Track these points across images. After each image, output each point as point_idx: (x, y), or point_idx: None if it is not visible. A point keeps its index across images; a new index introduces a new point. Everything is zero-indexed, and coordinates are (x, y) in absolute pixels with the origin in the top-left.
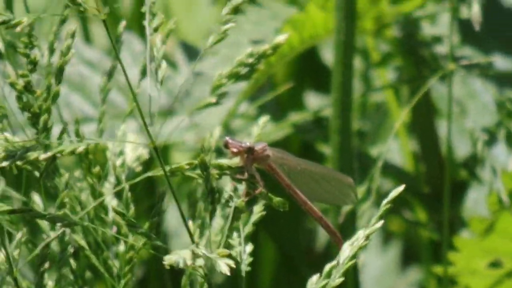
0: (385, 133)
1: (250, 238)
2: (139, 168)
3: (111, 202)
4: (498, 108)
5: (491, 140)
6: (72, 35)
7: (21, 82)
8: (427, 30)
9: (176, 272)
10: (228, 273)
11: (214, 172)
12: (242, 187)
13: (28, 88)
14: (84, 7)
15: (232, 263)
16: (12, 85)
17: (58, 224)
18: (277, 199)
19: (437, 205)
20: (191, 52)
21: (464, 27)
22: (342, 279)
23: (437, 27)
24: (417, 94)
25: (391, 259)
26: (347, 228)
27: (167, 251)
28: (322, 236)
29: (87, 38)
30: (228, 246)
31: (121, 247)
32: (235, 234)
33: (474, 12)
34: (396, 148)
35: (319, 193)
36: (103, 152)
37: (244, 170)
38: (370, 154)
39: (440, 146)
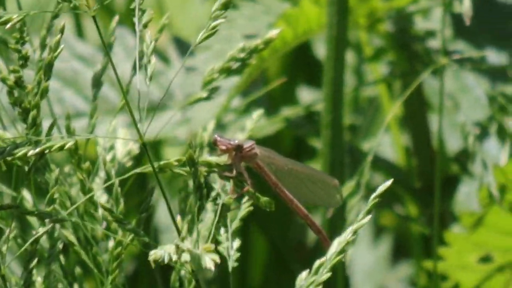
0: (377, 127)
1: (240, 234)
2: (129, 163)
3: (101, 197)
4: (490, 102)
5: (483, 134)
6: (62, 31)
7: (12, 78)
8: (420, 24)
9: (167, 268)
10: (213, 268)
11: (202, 169)
12: (230, 184)
13: (19, 83)
14: (75, 3)
15: (217, 258)
16: (3, 80)
17: (47, 220)
18: (264, 199)
19: (428, 200)
20: (184, 48)
21: (456, 22)
22: (329, 274)
23: (429, 22)
24: (409, 88)
25: (382, 253)
26: (337, 223)
27: (155, 247)
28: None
29: (80, 33)
30: (216, 242)
31: (111, 243)
32: (223, 230)
33: (465, 6)
34: (388, 143)
35: (305, 194)
36: (94, 147)
37: (232, 167)
38: (362, 148)
39: (432, 141)
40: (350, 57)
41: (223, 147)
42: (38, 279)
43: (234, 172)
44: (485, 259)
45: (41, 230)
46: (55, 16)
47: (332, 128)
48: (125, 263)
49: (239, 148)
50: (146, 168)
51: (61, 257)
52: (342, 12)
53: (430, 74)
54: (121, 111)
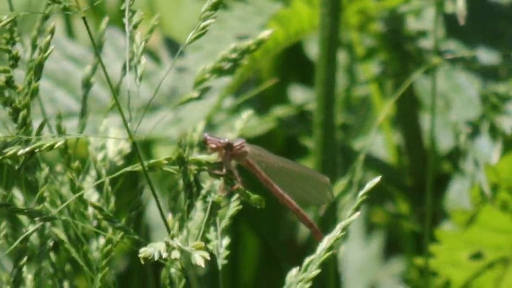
0: (369, 127)
1: (231, 231)
2: (121, 162)
3: (92, 196)
4: (482, 102)
5: (475, 133)
6: (52, 32)
7: (2, 78)
8: (412, 24)
9: (158, 266)
10: (203, 265)
11: (192, 167)
12: (220, 183)
13: (9, 83)
14: (64, 4)
15: (207, 255)
16: None
17: (37, 218)
18: (254, 196)
19: (420, 198)
20: (176, 48)
21: (448, 22)
22: (318, 271)
23: (421, 22)
24: (401, 88)
25: (374, 250)
26: (328, 221)
27: (145, 244)
28: (304, 229)
29: (71, 34)
30: (206, 240)
31: (102, 241)
32: (212, 228)
33: (459, 6)
34: (380, 142)
35: (296, 191)
36: (86, 146)
37: (222, 165)
38: (354, 147)
39: (424, 139)
40: (342, 57)
41: (213, 145)
42: (28, 276)
43: (224, 170)
44: (476, 256)
45: (31, 228)
46: (46, 16)
47: (324, 127)
48: (116, 261)
49: (229, 146)
50: (136, 167)
51: (52, 255)
52: (335, 12)
53: (422, 74)
54: (112, 111)
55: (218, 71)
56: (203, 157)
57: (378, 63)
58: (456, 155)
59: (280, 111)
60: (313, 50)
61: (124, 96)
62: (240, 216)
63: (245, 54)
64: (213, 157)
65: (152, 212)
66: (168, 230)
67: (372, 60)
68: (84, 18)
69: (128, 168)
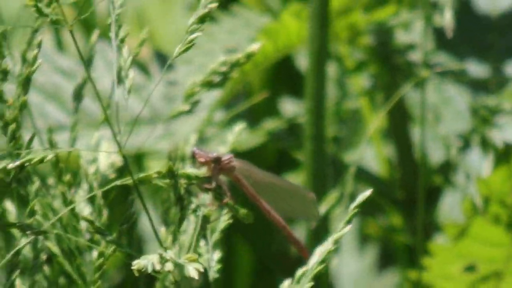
0: (360, 139)
1: (224, 245)
2: (113, 175)
3: (84, 209)
4: (472, 114)
5: (465, 146)
6: (39, 45)
7: None
8: (401, 37)
9: (151, 279)
10: (197, 277)
11: (181, 181)
12: (209, 196)
13: None
14: (51, 18)
15: (200, 267)
16: None
17: (29, 232)
18: (242, 211)
19: (412, 211)
20: (166, 61)
21: (437, 34)
22: (311, 283)
23: (410, 35)
24: (392, 100)
25: (367, 263)
26: (320, 234)
27: (138, 257)
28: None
29: (61, 47)
30: (198, 254)
31: (95, 254)
32: (203, 242)
33: (446, 19)
34: (371, 155)
35: (283, 207)
36: (77, 159)
37: (211, 180)
38: (345, 160)
39: (415, 152)
40: (332, 69)
41: (202, 160)
42: None
43: (213, 184)
44: (469, 269)
45: (24, 241)
46: (36, 30)
47: (314, 140)
48: (109, 273)
49: (217, 160)
50: (127, 180)
51: (45, 268)
52: (323, 26)
53: (411, 87)
54: (103, 125)
55: (208, 85)
56: (192, 171)
57: (368, 76)
58: (447, 168)
59: (270, 124)
60: (303, 63)
61: (114, 110)
62: (233, 228)
63: (234, 67)
64: (202, 171)
65: (145, 224)
66: (160, 243)
67: (362, 73)
68: (71, 32)
69: (119, 182)
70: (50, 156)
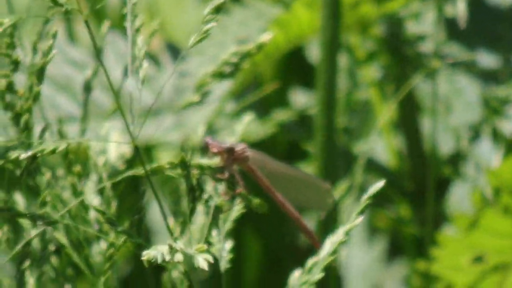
0: (370, 130)
1: (235, 235)
2: (122, 166)
3: (93, 200)
4: (483, 105)
5: (476, 137)
6: (54, 36)
7: (3, 82)
8: (412, 28)
9: (161, 270)
10: (206, 268)
11: (194, 171)
12: (222, 187)
13: (10, 88)
14: (66, 8)
15: (210, 258)
16: None
17: (39, 223)
18: (256, 201)
19: (421, 202)
20: (177, 52)
21: (449, 25)
22: (322, 274)
23: (422, 25)
24: (402, 91)
25: (376, 254)
26: (330, 226)
27: (148, 248)
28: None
29: (72, 37)
30: (209, 243)
31: (103, 245)
32: (215, 232)
33: (459, 9)
34: (381, 146)
35: (297, 197)
36: (87, 150)
37: (224, 170)
38: (355, 151)
39: (425, 143)
40: (342, 60)
41: (215, 150)
42: (30, 280)
43: (226, 174)
44: (478, 260)
45: (33, 232)
46: (47, 20)
47: (325, 131)
48: (119, 265)
49: (231, 150)
50: (139, 171)
51: (54, 259)
52: (335, 16)
53: (422, 78)
54: (113, 116)
55: (219, 75)
56: (205, 161)
57: (379, 67)
58: (457, 159)
59: (281, 115)
60: (314, 53)
61: (125, 101)
62: (243, 219)
63: (246, 58)
64: (215, 161)
65: (154, 216)
66: (171, 233)
67: (373, 64)
68: (86, 22)
69: (131, 172)
70: (62, 147)
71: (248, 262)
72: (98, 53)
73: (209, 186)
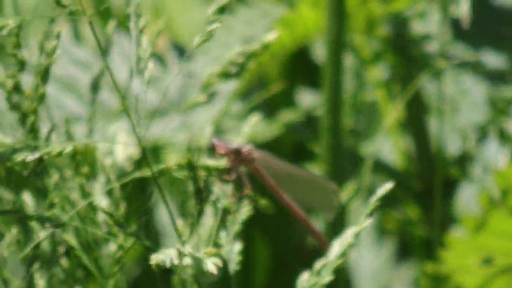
0: (377, 131)
1: (243, 237)
2: (130, 167)
3: (102, 201)
4: (489, 106)
5: (483, 138)
6: (58, 36)
7: (9, 83)
8: (418, 28)
9: (170, 272)
10: (215, 272)
11: (201, 173)
12: (229, 188)
13: (17, 88)
14: (70, 9)
15: (219, 262)
16: (1, 85)
17: (47, 225)
18: (262, 202)
19: (429, 203)
20: (182, 52)
21: (454, 25)
22: (331, 277)
23: (427, 25)
24: (408, 92)
25: (385, 256)
26: (337, 227)
27: (157, 251)
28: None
29: (78, 38)
30: (217, 245)
31: (112, 247)
32: (223, 234)
33: (463, 10)
34: (388, 147)
35: (303, 198)
36: (94, 151)
37: (231, 171)
38: (362, 152)
39: (432, 144)
40: (348, 60)
41: (222, 151)
42: (40, 282)
43: (233, 175)
44: (486, 262)
45: (42, 234)
46: (53, 20)
47: (331, 132)
48: (128, 267)
49: (237, 152)
50: (146, 172)
51: (63, 261)
52: (341, 16)
53: (429, 78)
54: (120, 116)
55: (225, 75)
56: (212, 162)
57: (385, 67)
58: (464, 160)
59: (287, 116)
60: (320, 53)
61: (131, 101)
62: (251, 221)
63: (251, 58)
64: (222, 162)
65: (162, 217)
66: (179, 236)
67: (378, 64)
68: (90, 23)
69: (138, 174)
70: (69, 149)
71: (257, 264)
72: (103, 53)
73: (216, 187)
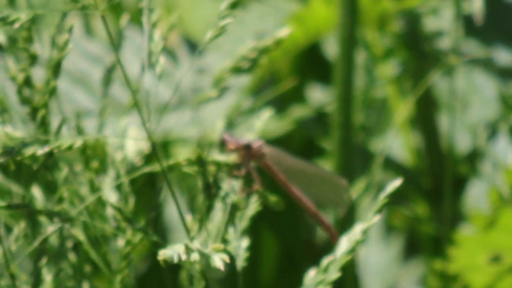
0: (387, 128)
1: (251, 233)
2: (140, 162)
3: (111, 196)
4: (500, 102)
5: (493, 134)
6: (70, 30)
7: (21, 77)
8: (430, 24)
9: (177, 267)
10: (223, 268)
11: (211, 168)
12: (238, 184)
13: (28, 82)
14: (83, 3)
15: (227, 258)
16: (12, 79)
17: (56, 220)
18: (272, 198)
19: (439, 200)
20: (194, 47)
21: (466, 22)
22: (339, 274)
23: (440, 22)
24: (420, 88)
25: (393, 253)
26: (347, 223)
27: (165, 246)
28: (322, 229)
29: (89, 31)
30: (225, 241)
31: (121, 242)
32: (232, 229)
33: (476, 6)
34: (398, 143)
35: (314, 194)
36: (105, 145)
37: (241, 167)
38: (372, 148)
39: (442, 141)
40: (360, 57)
41: (232, 146)
42: (47, 277)
43: (243, 171)
44: (495, 260)
45: (51, 229)
46: (65, 14)
47: (342, 128)
48: (136, 262)
49: (248, 147)
50: (155, 168)
51: (71, 256)
52: (353, 12)
53: (440, 74)
54: (131, 111)
55: (237, 70)
56: (222, 158)
57: (396, 63)
58: (474, 156)
59: (298, 112)
60: (331, 49)
61: (142, 96)
62: (260, 217)
63: (263, 53)
64: (232, 158)
65: (170, 212)
66: (187, 231)
67: (390, 61)
68: (103, 17)
69: (147, 169)
70: (79, 143)
71: (265, 260)
72: (115, 47)
73: (226, 183)
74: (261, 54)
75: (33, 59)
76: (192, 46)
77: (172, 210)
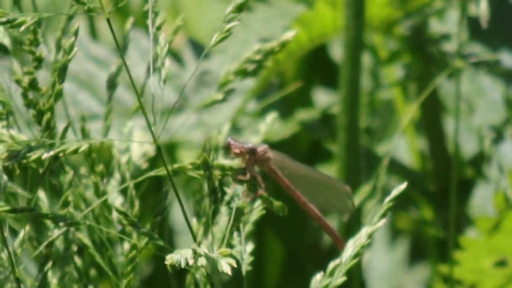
0: (393, 131)
1: (256, 237)
2: (145, 165)
3: (116, 199)
4: (506, 105)
5: (499, 137)
6: (76, 33)
7: (26, 79)
8: (435, 27)
9: (183, 271)
10: (230, 273)
11: (216, 172)
12: (243, 188)
13: (33, 85)
14: (89, 6)
15: (233, 262)
16: (18, 82)
17: (61, 223)
18: (277, 203)
19: (444, 203)
20: (200, 50)
21: (472, 25)
22: (345, 278)
23: (445, 25)
24: (425, 91)
25: (398, 257)
26: (352, 228)
27: (170, 250)
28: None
29: (95, 35)
30: (231, 246)
31: (126, 246)
32: (236, 234)
33: (481, 9)
34: (404, 146)
35: (317, 199)
36: (110, 148)
37: (245, 171)
38: (378, 152)
39: (448, 144)
40: (365, 60)
41: (237, 151)
42: (53, 280)
43: (248, 175)
44: (501, 263)
45: (56, 232)
46: (70, 17)
47: (348, 130)
48: (140, 266)
49: (252, 151)
50: (161, 171)
51: (77, 259)
52: (358, 15)
53: (445, 77)
54: (136, 114)
55: (242, 73)
56: (227, 162)
57: (402, 66)
58: (480, 160)
59: (304, 114)
60: (337, 52)
61: (147, 99)
62: (264, 221)
63: (269, 56)
64: (237, 162)
65: (176, 216)
66: (193, 235)
67: (396, 64)
68: (108, 20)
69: (153, 173)
70: (84, 146)
71: (270, 264)
72: (120, 50)
73: (231, 187)
74: (266, 57)
75: (39, 62)
76: (198, 49)
77: (179, 212)
